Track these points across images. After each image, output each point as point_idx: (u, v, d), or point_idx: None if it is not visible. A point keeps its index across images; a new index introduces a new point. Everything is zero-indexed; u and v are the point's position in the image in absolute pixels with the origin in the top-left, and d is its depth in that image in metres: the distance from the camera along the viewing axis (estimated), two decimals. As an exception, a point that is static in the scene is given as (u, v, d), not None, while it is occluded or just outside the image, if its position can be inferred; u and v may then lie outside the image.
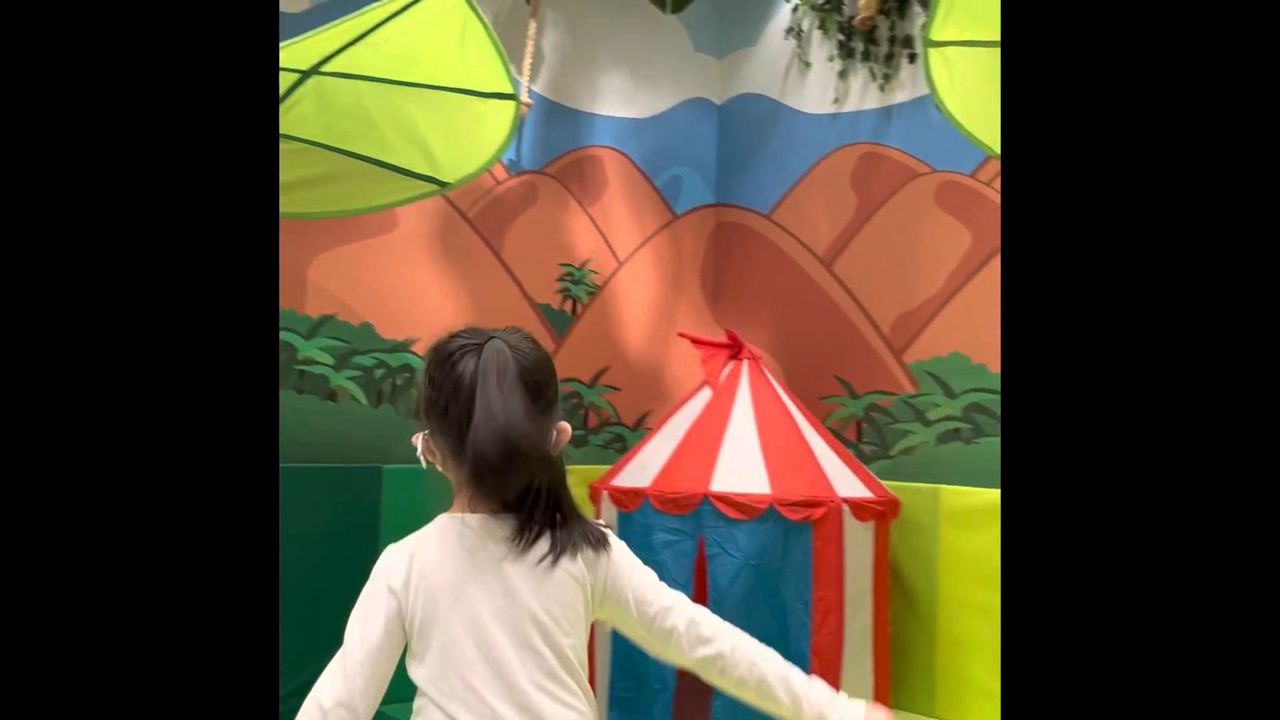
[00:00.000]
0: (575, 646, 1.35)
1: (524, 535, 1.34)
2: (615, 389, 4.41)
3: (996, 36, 2.54)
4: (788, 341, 4.44)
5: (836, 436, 4.12)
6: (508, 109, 2.69)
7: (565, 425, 1.44)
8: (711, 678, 1.44)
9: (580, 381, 4.30)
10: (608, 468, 4.24)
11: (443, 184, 3.00)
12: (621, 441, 4.41)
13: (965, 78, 2.66)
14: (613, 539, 1.43)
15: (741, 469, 3.34)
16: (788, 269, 4.47)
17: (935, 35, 2.53)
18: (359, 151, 2.93)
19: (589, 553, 1.37)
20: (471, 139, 2.84)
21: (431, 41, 2.46)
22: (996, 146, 2.87)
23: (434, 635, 1.32)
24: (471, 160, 2.91)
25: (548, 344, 4.18)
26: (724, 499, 3.22)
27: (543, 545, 1.34)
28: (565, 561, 1.34)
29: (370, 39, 2.41)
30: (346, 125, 2.82)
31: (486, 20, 2.38)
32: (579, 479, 4.11)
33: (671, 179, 4.67)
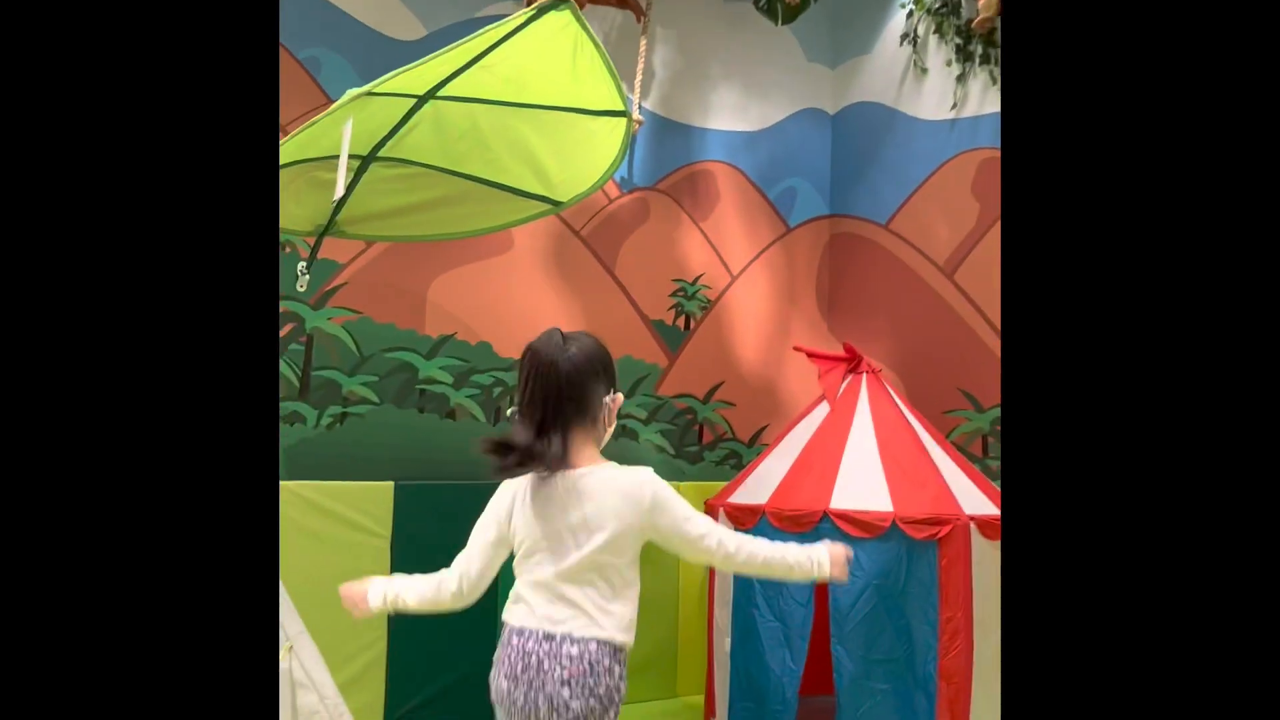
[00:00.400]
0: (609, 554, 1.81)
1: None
2: (730, 404, 4.36)
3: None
4: (908, 354, 4.32)
5: (961, 452, 3.98)
6: (619, 126, 2.67)
7: (619, 396, 1.99)
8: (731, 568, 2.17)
9: (695, 397, 4.27)
10: (723, 484, 4.20)
11: (556, 203, 3.01)
12: (737, 458, 4.36)
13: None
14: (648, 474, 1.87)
15: (862, 485, 3.25)
16: (907, 279, 4.36)
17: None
18: (474, 174, 2.97)
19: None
20: (584, 158, 2.84)
21: (544, 62, 2.46)
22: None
23: (520, 539, 1.83)
24: (584, 179, 2.91)
25: (661, 360, 4.18)
26: (845, 516, 3.14)
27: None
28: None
29: (484, 62, 2.43)
30: (462, 148, 2.86)
31: (597, 39, 2.38)
32: (696, 495, 4.07)
33: (785, 191, 4.61)
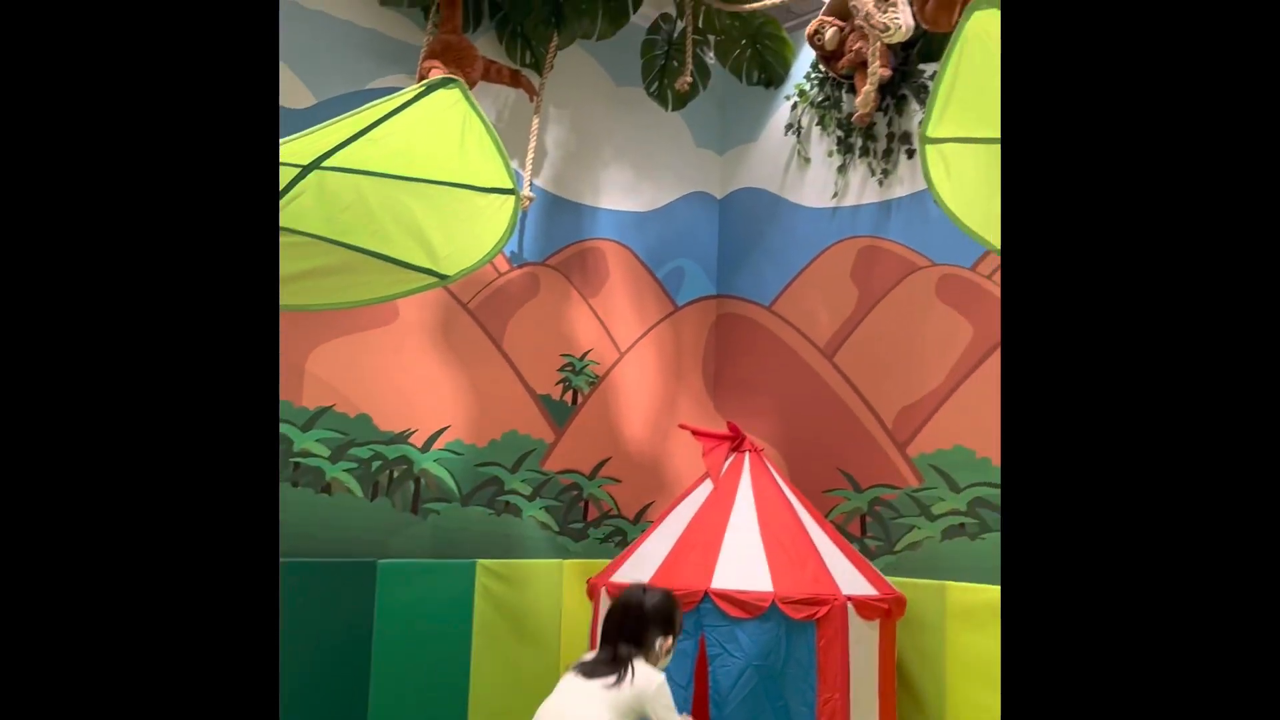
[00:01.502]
0: None
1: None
2: (616, 481, 4.36)
3: (993, 133, 2.57)
4: (790, 433, 4.41)
5: (840, 531, 4.05)
6: (508, 203, 2.70)
7: (670, 640, 2.61)
8: None
9: (580, 473, 4.25)
10: (607, 562, 4.17)
11: (443, 276, 3.00)
12: (622, 535, 4.34)
13: (963, 174, 2.68)
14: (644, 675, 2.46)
15: (743, 565, 3.27)
16: (789, 360, 4.46)
17: (932, 132, 2.55)
18: (359, 244, 2.94)
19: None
20: (471, 232, 2.85)
21: (432, 137, 2.48)
22: (995, 241, 2.88)
23: None
24: (471, 253, 2.91)
25: (548, 435, 4.16)
26: (725, 596, 3.15)
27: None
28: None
29: (372, 134, 2.44)
30: (347, 219, 2.84)
31: (486, 118, 2.41)
32: (578, 573, 4.04)
33: (673, 270, 4.69)
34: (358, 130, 2.37)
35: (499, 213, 2.72)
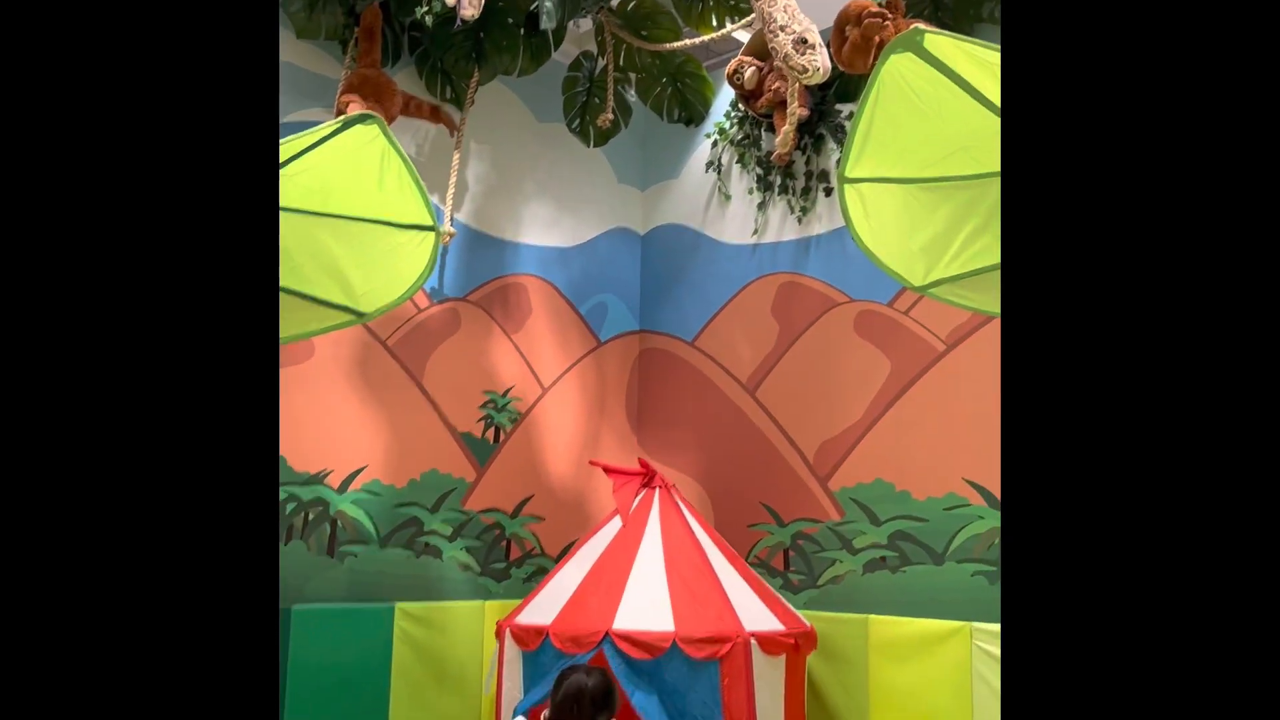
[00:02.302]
0: None
1: None
2: (539, 519, 4.30)
3: (909, 173, 2.63)
4: (713, 467, 4.41)
5: (765, 567, 4.06)
6: (427, 240, 2.66)
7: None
8: None
9: (503, 512, 4.19)
10: (530, 602, 4.10)
11: (360, 314, 2.94)
12: (544, 574, 4.28)
13: (881, 212, 2.72)
14: None
15: (646, 604, 3.26)
16: (712, 395, 4.47)
17: (850, 173, 2.59)
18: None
19: None
20: (390, 269, 2.80)
21: (349, 174, 2.44)
22: (911, 278, 2.93)
23: None
24: (390, 290, 2.86)
25: (469, 474, 4.10)
26: (626, 637, 3.13)
27: None
28: None
29: (287, 170, 2.38)
30: (261, 255, 2.76)
31: (405, 154, 2.37)
32: (500, 614, 3.96)
33: (596, 306, 4.68)
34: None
35: (418, 249, 2.68)
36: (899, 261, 2.88)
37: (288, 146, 2.24)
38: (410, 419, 3.96)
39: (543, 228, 4.54)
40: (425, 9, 3.27)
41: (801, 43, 2.71)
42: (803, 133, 4.15)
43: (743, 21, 3.61)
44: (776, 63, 2.95)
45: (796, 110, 3.34)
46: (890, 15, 3.20)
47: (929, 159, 2.50)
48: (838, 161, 2.62)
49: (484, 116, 4.24)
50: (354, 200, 2.56)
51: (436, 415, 4.05)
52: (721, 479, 4.37)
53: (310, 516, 3.63)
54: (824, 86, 4.01)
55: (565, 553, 4.35)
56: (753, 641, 3.17)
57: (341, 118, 2.24)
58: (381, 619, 3.69)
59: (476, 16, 3.17)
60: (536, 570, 4.26)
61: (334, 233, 2.70)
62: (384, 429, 3.88)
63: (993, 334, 3.51)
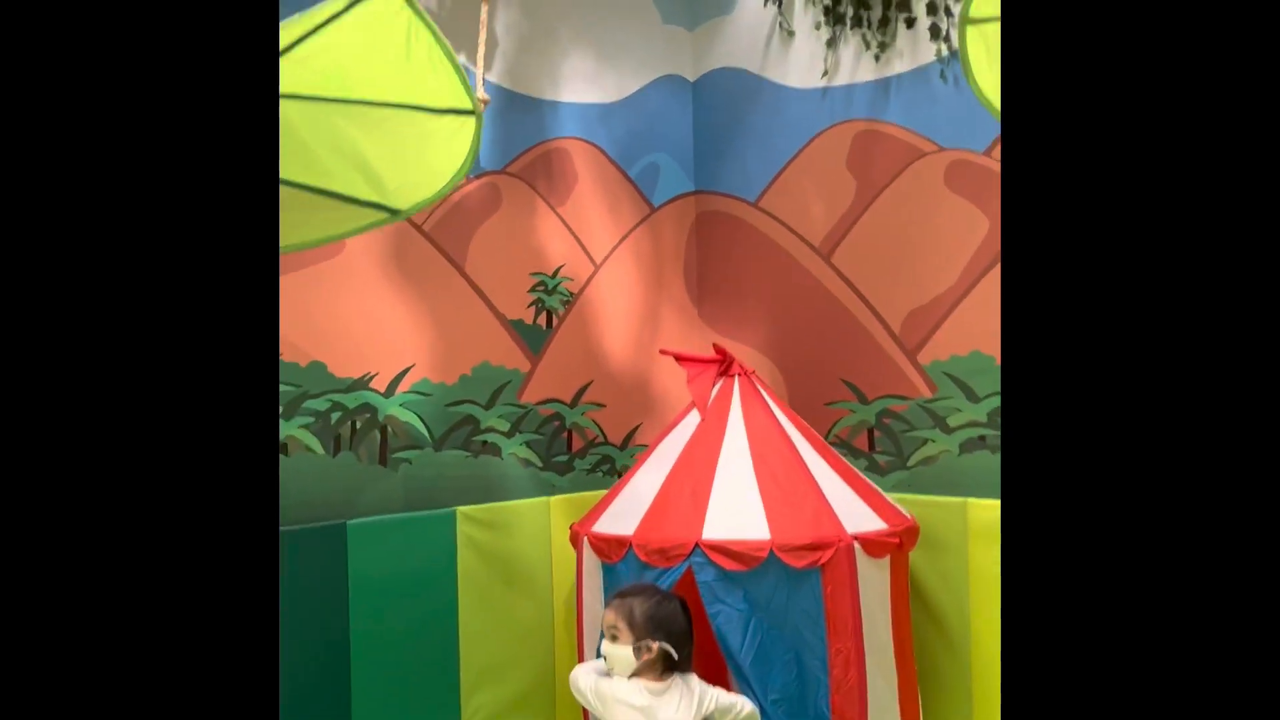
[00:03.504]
0: None
1: None
2: (601, 405, 4.00)
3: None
4: (785, 342, 4.05)
5: (846, 448, 3.76)
6: (466, 125, 2.24)
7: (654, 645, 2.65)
8: None
9: (562, 402, 3.88)
10: (598, 494, 3.86)
11: (394, 211, 2.54)
12: (610, 463, 4.02)
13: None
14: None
15: (737, 510, 2.96)
16: (781, 262, 4.06)
17: (975, 13, 2.12)
18: (292, 179, 2.47)
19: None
20: (424, 161, 2.38)
21: (369, 53, 2.01)
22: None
23: None
24: (426, 185, 2.45)
25: (523, 365, 3.77)
26: (717, 548, 2.85)
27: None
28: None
29: (294, 54, 1.96)
30: (275, 151, 2.36)
31: (435, 26, 1.94)
32: (566, 510, 3.72)
33: (647, 167, 4.23)
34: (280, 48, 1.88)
35: (456, 136, 2.26)
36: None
37: (296, 25, 1.82)
38: (456, 310, 3.61)
39: (584, 82, 4.04)
40: None
41: None
42: (878, -46, 3.59)
43: None
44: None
45: None
46: None
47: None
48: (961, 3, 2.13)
49: (510, -44, 3.69)
50: (377, 83, 2.13)
51: (484, 303, 3.70)
52: (795, 354, 4.01)
53: (358, 425, 3.35)
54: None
55: (630, 438, 4.08)
56: (856, 545, 2.89)
57: (356, -11, 1.80)
58: (443, 525, 3.46)
59: None
60: (601, 460, 3.99)
61: (358, 121, 2.28)
62: (428, 323, 3.53)
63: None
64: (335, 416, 3.29)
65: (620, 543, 2.99)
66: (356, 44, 1.96)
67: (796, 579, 2.83)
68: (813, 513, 2.94)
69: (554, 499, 3.76)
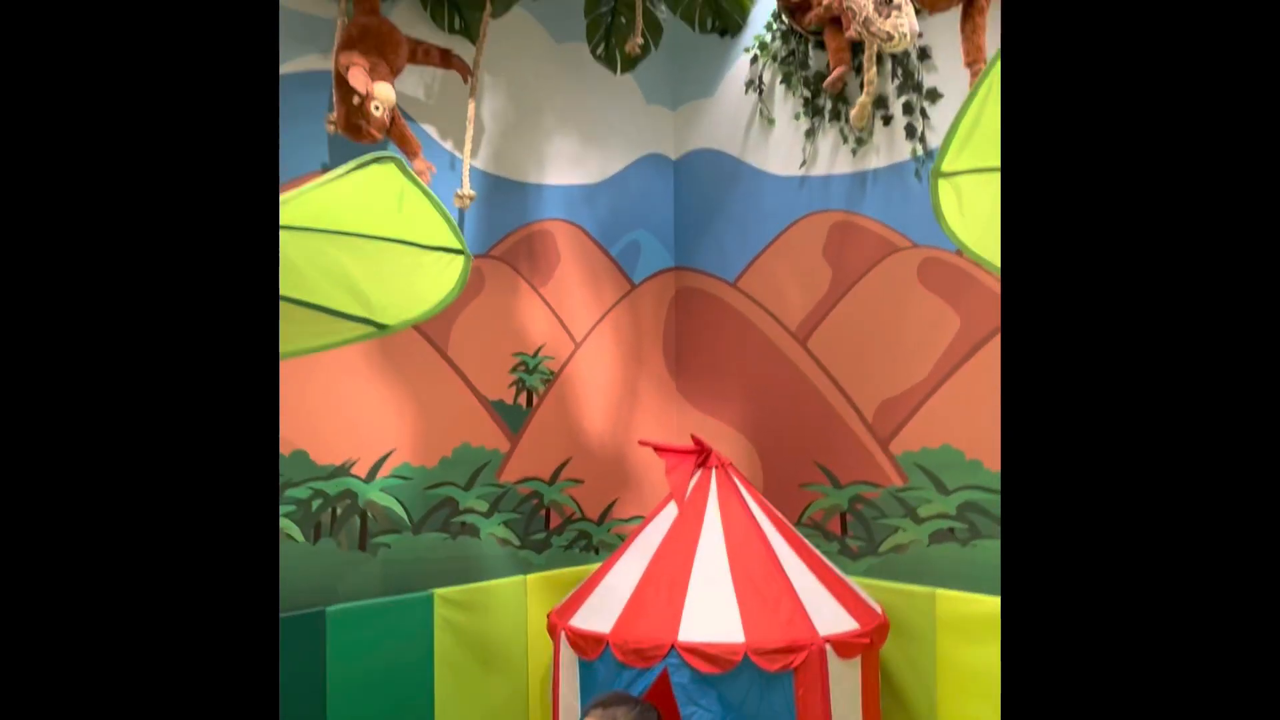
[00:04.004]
0: None
1: None
2: (578, 482, 4.06)
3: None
4: (761, 421, 4.13)
5: (819, 531, 3.83)
6: (455, 262, 2.30)
7: None
8: None
9: (540, 479, 3.94)
10: (572, 570, 3.93)
11: (382, 326, 2.60)
12: (587, 538, 4.07)
13: (975, 204, 2.35)
14: None
15: (712, 610, 3.02)
16: (758, 342, 4.15)
17: (948, 167, 2.21)
18: (285, 294, 2.53)
19: None
20: (412, 286, 2.44)
21: (364, 202, 2.07)
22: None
23: None
24: (415, 305, 2.51)
25: (503, 444, 3.83)
26: (694, 650, 2.91)
27: None
28: None
29: (292, 201, 2.02)
30: (266, 273, 2.42)
31: (426, 188, 2.00)
32: (542, 588, 3.78)
33: (629, 245, 4.30)
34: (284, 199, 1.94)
35: (445, 270, 2.33)
36: (993, 250, 2.51)
37: (294, 190, 1.88)
38: (437, 392, 3.67)
39: (567, 165, 4.11)
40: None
41: (885, 3, 2.26)
42: (857, 52, 3.68)
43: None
44: (855, 26, 2.49)
45: (874, 78, 2.86)
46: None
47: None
48: (935, 158, 2.21)
49: (496, 43, 3.76)
50: (371, 222, 2.20)
51: (465, 385, 3.75)
52: (770, 434, 4.09)
53: (338, 511, 3.39)
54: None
55: (606, 513, 4.14)
56: (828, 647, 2.96)
57: (355, 162, 1.86)
58: (420, 609, 3.51)
59: None
60: (578, 536, 4.05)
61: (346, 250, 2.34)
62: (409, 407, 3.59)
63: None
64: (316, 504, 3.34)
65: (597, 640, 3.05)
66: (352, 194, 2.02)
67: (769, 681, 2.90)
68: (787, 614, 3.01)
69: (531, 577, 3.81)
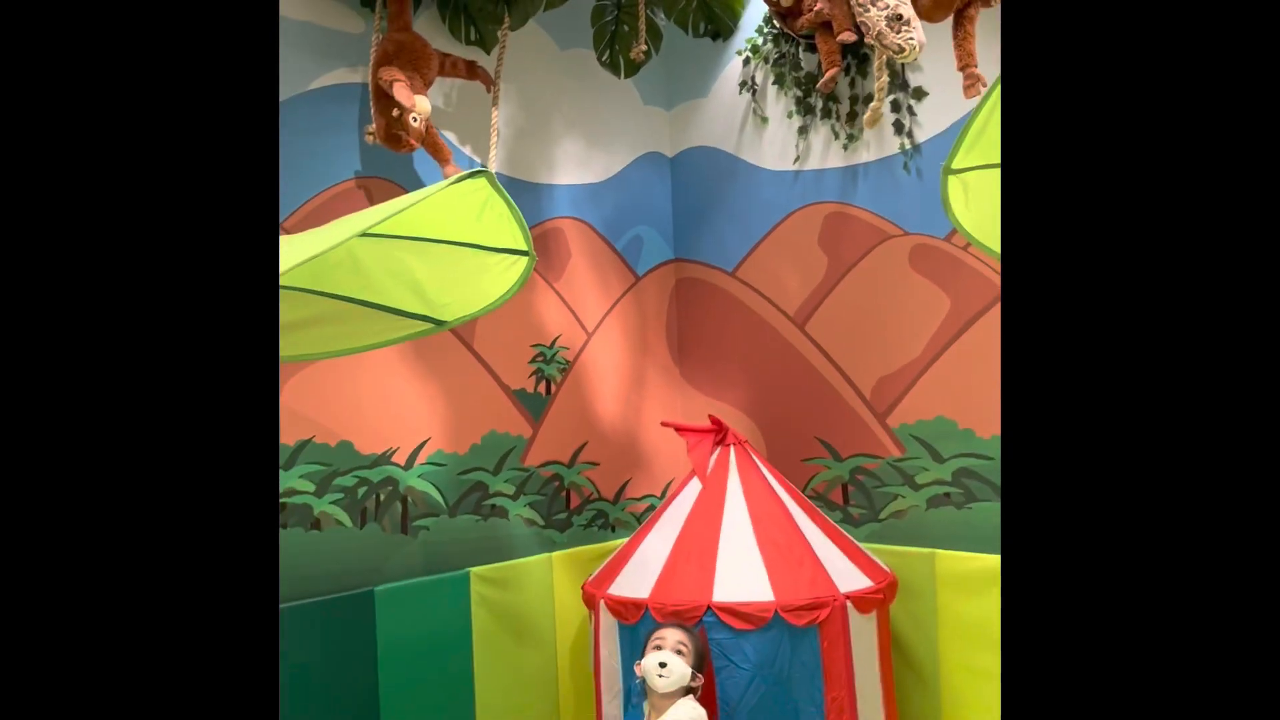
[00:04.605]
0: None
1: None
2: (595, 464, 4.31)
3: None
4: (764, 401, 4.41)
5: (823, 501, 4.12)
6: (519, 263, 2.54)
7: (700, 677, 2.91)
8: None
9: (560, 463, 4.19)
10: (592, 548, 4.16)
11: (440, 322, 2.83)
12: (604, 517, 4.33)
13: (981, 199, 2.62)
14: None
15: (742, 573, 3.30)
16: (758, 328, 4.42)
17: (957, 164, 2.48)
18: (346, 294, 2.75)
19: None
20: (473, 285, 2.67)
21: (444, 211, 2.29)
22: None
23: None
24: (473, 302, 2.74)
25: (526, 431, 4.07)
26: (728, 609, 3.18)
27: None
28: None
29: (388, 216, 2.23)
30: (337, 275, 2.64)
31: (509, 197, 2.22)
32: (567, 564, 4.03)
33: (632, 240, 4.56)
34: (372, 223, 2.16)
35: (508, 270, 2.56)
36: (996, 240, 2.80)
37: (389, 208, 2.09)
38: (466, 384, 3.89)
39: (574, 165, 4.35)
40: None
41: (896, 19, 2.52)
42: (846, 53, 3.95)
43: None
44: (868, 40, 2.76)
45: (885, 84, 3.11)
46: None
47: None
48: (945, 158, 2.48)
49: (507, 52, 3.97)
50: (445, 229, 2.42)
51: (490, 376, 3.99)
52: (772, 413, 4.37)
53: (381, 497, 3.61)
54: None
55: (621, 492, 4.40)
56: (849, 603, 3.25)
57: (453, 178, 2.07)
58: (458, 586, 3.74)
59: None
60: (596, 514, 4.30)
61: (415, 252, 2.56)
62: (441, 398, 3.81)
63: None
64: (361, 491, 3.55)
65: (637, 605, 3.31)
66: (439, 205, 2.23)
67: (797, 636, 3.17)
68: (810, 575, 3.29)
69: (555, 555, 4.06)
